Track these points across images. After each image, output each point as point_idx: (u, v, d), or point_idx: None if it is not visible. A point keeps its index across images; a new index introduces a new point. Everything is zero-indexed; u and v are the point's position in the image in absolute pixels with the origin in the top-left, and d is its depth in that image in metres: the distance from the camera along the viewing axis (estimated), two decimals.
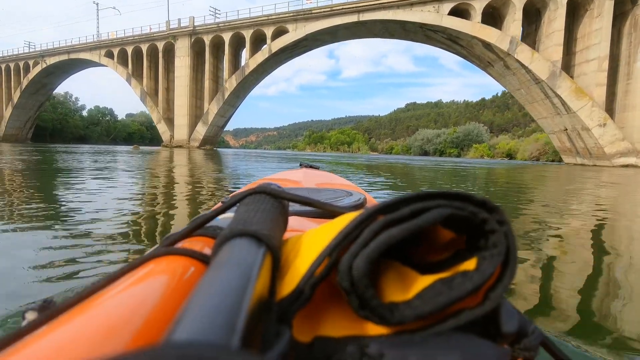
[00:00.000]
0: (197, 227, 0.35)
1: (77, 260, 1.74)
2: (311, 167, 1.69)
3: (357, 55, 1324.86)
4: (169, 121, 45.70)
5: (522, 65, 27.98)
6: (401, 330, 0.23)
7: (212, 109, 41.71)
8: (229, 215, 0.42)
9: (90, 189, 4.55)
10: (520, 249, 2.19)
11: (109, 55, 49.10)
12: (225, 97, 40.62)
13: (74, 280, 1.48)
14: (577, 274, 1.87)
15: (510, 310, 0.24)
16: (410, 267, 0.27)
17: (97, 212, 2.99)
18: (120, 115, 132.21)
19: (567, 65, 27.79)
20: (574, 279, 1.78)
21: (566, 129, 29.13)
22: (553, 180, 10.71)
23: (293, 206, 0.57)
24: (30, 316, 0.25)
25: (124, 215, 2.89)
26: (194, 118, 44.21)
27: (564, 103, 26.90)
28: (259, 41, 40.31)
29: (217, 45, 43.19)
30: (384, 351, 0.21)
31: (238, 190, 0.47)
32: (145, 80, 46.38)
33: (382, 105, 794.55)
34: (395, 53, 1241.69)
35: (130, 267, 0.27)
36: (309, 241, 0.29)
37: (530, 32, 29.71)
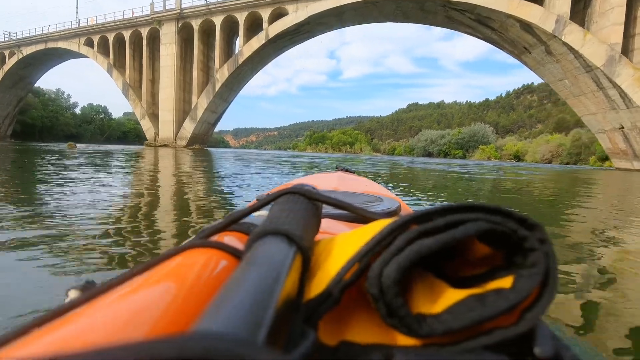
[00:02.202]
0: (232, 222, 0.36)
1: None
2: (347, 171, 1.71)
3: (358, 55, 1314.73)
4: (154, 117, 40.80)
5: (571, 49, 23.07)
6: (429, 344, 0.23)
7: (201, 103, 36.76)
8: (263, 213, 0.42)
9: None
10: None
11: (89, 43, 44.20)
12: (216, 90, 35.67)
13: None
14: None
15: (547, 334, 0.23)
16: (442, 279, 0.27)
17: None
18: (118, 114, 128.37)
19: (624, 50, 22.85)
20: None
21: (622, 127, 24.23)
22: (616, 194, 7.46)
23: (326, 209, 0.58)
24: (73, 294, 0.27)
25: None
26: (181, 113, 39.28)
27: (623, 95, 22.00)
28: (254, 26, 35.38)
29: (208, 31, 38.27)
30: None
31: (273, 189, 0.47)
32: (127, 71, 41.45)
33: (383, 106, 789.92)
34: (395, 53, 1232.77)
35: (166, 256, 0.28)
36: (340, 245, 0.29)
37: (578, 10, 24.72)
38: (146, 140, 41.85)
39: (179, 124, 38.83)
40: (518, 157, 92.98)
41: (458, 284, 0.26)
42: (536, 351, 0.22)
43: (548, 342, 0.23)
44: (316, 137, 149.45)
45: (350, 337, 0.25)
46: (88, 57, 45.20)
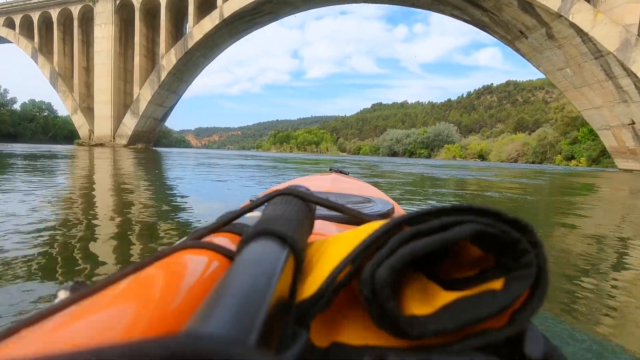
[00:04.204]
0: (225, 223, 0.36)
1: None
2: (341, 172, 1.72)
3: (321, 55, 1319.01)
4: (89, 111, 34.60)
5: (579, 31, 19.81)
6: (420, 345, 0.23)
7: (144, 94, 31.12)
8: (257, 214, 0.41)
9: None
10: None
11: (10, 24, 37.23)
12: (162, 79, 30.20)
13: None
14: None
15: (537, 335, 0.23)
16: (434, 281, 0.27)
17: None
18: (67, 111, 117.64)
19: None
20: None
21: (633, 123, 21.31)
22: None
23: (319, 210, 0.58)
24: (62, 295, 0.26)
25: None
26: (121, 107, 33.38)
27: (639, 85, 18.98)
28: (207, 6, 30.14)
29: (152, 11, 32.58)
30: None
31: (267, 190, 0.47)
32: (56, 57, 34.98)
33: (347, 106, 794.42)
34: (359, 54, 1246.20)
35: (158, 256, 0.28)
36: (333, 246, 0.29)
37: None
38: (79, 138, 35.57)
39: (118, 120, 32.95)
40: (482, 156, 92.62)
41: (450, 285, 0.26)
42: (526, 352, 0.22)
43: (538, 343, 0.23)
44: (281, 136, 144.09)
45: (341, 338, 0.25)
46: (11, 42, 38.22)
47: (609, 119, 23.04)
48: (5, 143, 43.56)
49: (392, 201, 0.88)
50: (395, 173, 10.47)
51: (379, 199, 0.82)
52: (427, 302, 0.24)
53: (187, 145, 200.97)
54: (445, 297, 0.24)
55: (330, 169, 1.79)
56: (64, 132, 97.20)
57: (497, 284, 0.23)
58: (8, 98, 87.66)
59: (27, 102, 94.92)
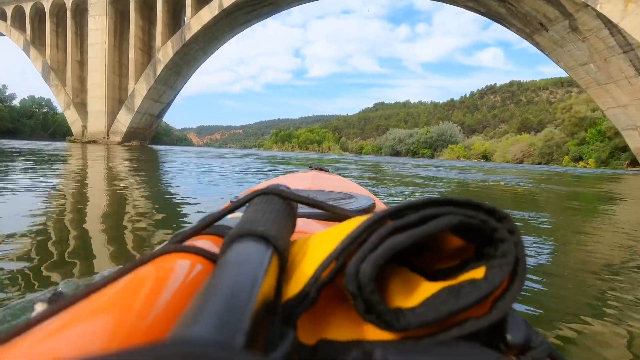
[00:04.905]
0: (206, 226, 0.35)
1: None
2: (321, 169, 1.71)
3: (323, 54, 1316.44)
4: (82, 106, 33.14)
5: (607, 23, 18.24)
6: (406, 337, 0.23)
7: (139, 89, 29.64)
8: (238, 214, 0.41)
9: None
10: None
11: (1, 15, 35.78)
12: (158, 73, 28.70)
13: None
14: None
15: (518, 321, 0.24)
16: (417, 273, 0.27)
17: None
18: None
19: None
20: None
21: None
22: None
23: (301, 208, 0.58)
24: (40, 307, 0.26)
25: None
26: (115, 103, 31.93)
27: None
28: None
29: (148, 1, 31.05)
30: (388, 357, 0.21)
31: (247, 190, 0.44)
32: (49, 50, 33.52)
33: (349, 105, 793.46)
34: (360, 53, 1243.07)
35: (139, 262, 0.27)
36: (316, 244, 0.29)
37: None
38: (72, 135, 34.11)
39: (113, 116, 31.49)
40: (486, 157, 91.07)
41: (432, 277, 0.26)
42: (508, 338, 0.23)
43: (519, 328, 0.23)
44: (282, 135, 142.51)
45: (328, 335, 0.25)
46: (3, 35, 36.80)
47: (637, 118, 21.42)
48: (3, 140, 42.33)
49: (372, 196, 0.89)
50: (415, 177, 8.93)
51: (359, 194, 0.82)
52: (411, 294, 0.25)
53: (188, 143, 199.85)
54: (429, 288, 0.24)
55: (310, 167, 1.79)
56: (63, 129, 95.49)
57: (478, 273, 0.24)
58: (7, 94, 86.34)
59: (26, 98, 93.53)
